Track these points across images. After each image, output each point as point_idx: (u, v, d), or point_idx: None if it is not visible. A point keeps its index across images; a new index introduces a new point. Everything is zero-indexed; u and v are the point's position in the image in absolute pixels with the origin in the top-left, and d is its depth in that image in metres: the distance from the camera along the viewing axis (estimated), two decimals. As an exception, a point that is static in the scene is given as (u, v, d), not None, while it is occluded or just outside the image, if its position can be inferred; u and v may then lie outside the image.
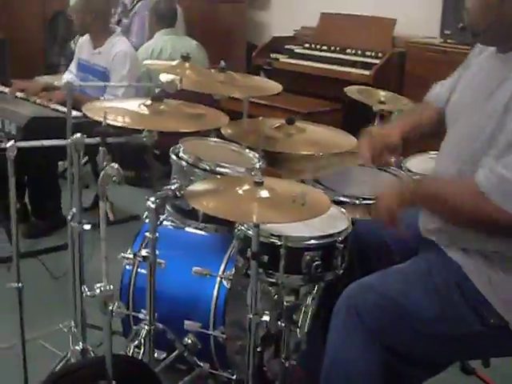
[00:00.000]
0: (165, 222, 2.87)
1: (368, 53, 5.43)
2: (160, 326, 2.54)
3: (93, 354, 2.68)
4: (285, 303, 2.44)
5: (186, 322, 2.64)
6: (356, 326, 2.08)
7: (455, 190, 2.01)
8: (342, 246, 2.36)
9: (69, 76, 4.75)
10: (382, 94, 3.49)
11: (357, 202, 2.64)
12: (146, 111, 2.51)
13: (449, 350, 2.11)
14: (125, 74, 4.38)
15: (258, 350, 2.70)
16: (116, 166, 1.96)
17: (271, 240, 2.31)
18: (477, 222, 1.96)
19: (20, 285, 2.44)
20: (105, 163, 2.14)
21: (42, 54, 6.83)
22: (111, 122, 2.28)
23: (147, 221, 2.41)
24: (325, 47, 5.75)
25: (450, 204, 2.00)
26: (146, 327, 2.45)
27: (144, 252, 2.39)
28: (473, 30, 2.08)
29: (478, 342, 2.07)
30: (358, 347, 2.08)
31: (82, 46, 4.71)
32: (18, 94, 4.23)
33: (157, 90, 4.02)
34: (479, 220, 1.94)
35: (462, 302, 2.04)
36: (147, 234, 2.36)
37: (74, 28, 4.68)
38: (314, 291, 2.85)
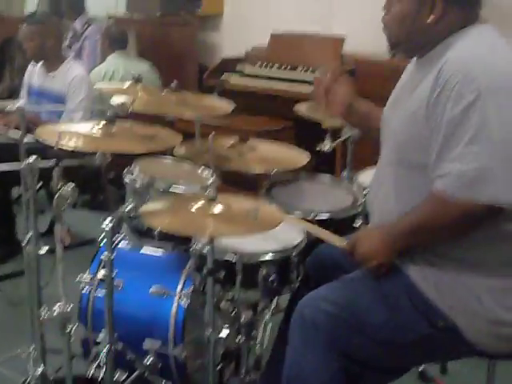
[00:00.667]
0: (121, 244, 2.89)
1: (317, 71, 5.49)
2: (120, 345, 2.55)
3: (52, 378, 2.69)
4: (242, 319, 2.47)
5: (146, 342, 2.67)
6: (312, 337, 2.12)
7: (425, 211, 2.03)
8: (296, 259, 2.41)
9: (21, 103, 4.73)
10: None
11: (309, 217, 2.69)
12: (98, 134, 2.54)
13: (402, 354, 2.16)
14: (83, 98, 4.42)
15: (219, 367, 2.72)
16: (71, 186, 1.98)
17: (227, 257, 2.35)
18: (462, 228, 2.00)
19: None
20: (59, 185, 2.15)
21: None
22: (64, 145, 2.30)
23: (104, 242, 2.43)
24: (276, 66, 5.81)
25: (431, 227, 2.03)
26: (106, 347, 2.47)
27: (101, 274, 2.40)
28: (391, 42, 2.17)
29: (429, 345, 2.12)
30: (316, 357, 2.12)
31: (32, 72, 4.72)
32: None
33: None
34: (464, 225, 1.99)
35: (409, 306, 2.09)
36: (104, 255, 2.38)
37: (29, 55, 4.65)
38: (272, 306, 2.90)
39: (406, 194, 2.11)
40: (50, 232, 4.32)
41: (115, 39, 5.64)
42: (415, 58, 2.24)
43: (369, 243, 2.16)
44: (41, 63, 4.60)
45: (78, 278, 2.51)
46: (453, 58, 1.98)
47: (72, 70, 4.52)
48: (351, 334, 2.12)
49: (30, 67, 4.79)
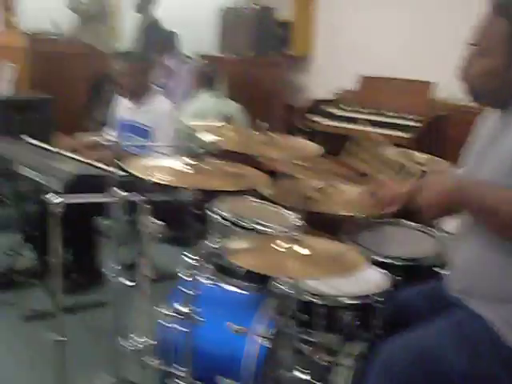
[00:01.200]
0: (202, 279, 2.90)
1: (407, 116, 5.47)
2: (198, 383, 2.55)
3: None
4: (322, 362, 2.44)
5: (223, 380, 2.66)
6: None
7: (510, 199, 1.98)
8: (380, 306, 2.38)
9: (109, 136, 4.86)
10: (421, 156, 3.50)
11: (396, 263, 2.67)
12: (188, 170, 2.57)
13: None
14: (171, 134, 4.50)
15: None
16: (161, 223, 2.01)
17: (310, 299, 2.34)
18: None
19: (64, 338, 2.47)
20: (149, 220, 2.19)
21: (85, 113, 6.99)
22: (156, 180, 2.34)
23: (183, 276, 2.45)
24: (365, 110, 5.81)
25: (505, 215, 1.96)
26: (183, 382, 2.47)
27: (186, 309, 2.41)
28: (474, 95, 2.14)
29: None
30: None
31: (121, 105, 4.84)
32: (62, 151, 4.34)
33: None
34: None
35: (491, 354, 2.05)
36: (186, 290, 2.39)
37: (123, 90, 4.77)
38: (354, 351, 2.87)
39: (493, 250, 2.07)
40: (133, 264, 4.39)
41: (208, 79, 5.73)
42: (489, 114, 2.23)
43: (432, 191, 2.09)
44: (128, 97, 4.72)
45: (159, 309, 2.50)
46: None
47: (159, 105, 4.63)
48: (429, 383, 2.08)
49: (117, 100, 4.91)
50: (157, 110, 4.58)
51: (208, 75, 5.81)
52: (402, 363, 2.09)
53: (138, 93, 4.65)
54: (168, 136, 4.48)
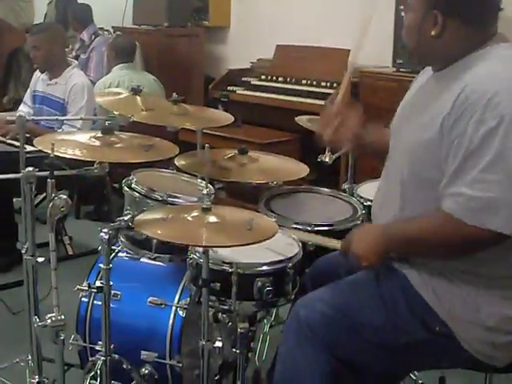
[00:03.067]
0: (120, 254, 2.89)
1: (323, 83, 5.51)
2: (116, 356, 2.54)
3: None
4: (239, 330, 2.46)
5: (143, 352, 2.67)
6: (306, 338, 2.13)
7: (428, 224, 2.02)
8: (292, 271, 2.41)
9: (24, 109, 4.85)
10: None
11: (309, 228, 2.69)
12: (97, 143, 2.55)
13: (398, 358, 2.16)
14: (83, 106, 4.52)
15: (216, 378, 2.73)
16: (64, 196, 1.98)
17: (222, 267, 2.35)
18: (463, 250, 2.00)
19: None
20: (53, 195, 2.16)
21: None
22: (61, 154, 2.32)
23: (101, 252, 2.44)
24: (281, 78, 5.82)
25: (430, 242, 2.02)
26: (102, 358, 2.46)
27: (98, 283, 2.40)
28: (408, 52, 2.19)
29: (425, 351, 2.12)
30: (309, 359, 2.12)
31: (37, 77, 4.82)
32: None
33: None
34: (466, 248, 1.98)
35: (407, 310, 2.09)
36: (101, 265, 2.38)
37: (37, 63, 4.73)
38: (271, 317, 2.90)
39: (412, 208, 2.10)
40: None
41: (122, 50, 5.66)
42: (426, 72, 2.25)
43: (363, 243, 2.14)
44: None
45: (76, 287, 2.48)
46: (474, 82, 1.94)
47: (73, 78, 4.63)
48: (346, 335, 2.13)
49: (35, 75, 4.88)
50: (70, 83, 4.57)
51: (124, 47, 5.73)
52: (318, 317, 2.13)
53: (49, 64, 4.63)
54: (81, 109, 4.47)
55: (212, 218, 2.16)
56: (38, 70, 4.82)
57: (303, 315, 2.14)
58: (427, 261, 2.09)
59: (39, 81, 4.79)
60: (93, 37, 6.57)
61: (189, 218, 2.17)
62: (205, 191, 2.17)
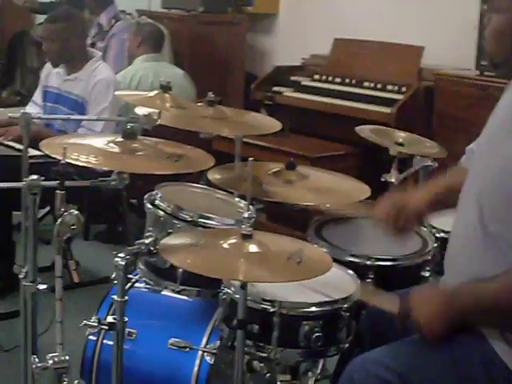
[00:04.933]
0: (137, 284, 2.90)
1: (389, 87, 5.49)
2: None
3: None
4: (278, 383, 2.45)
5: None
6: None
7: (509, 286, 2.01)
8: (347, 314, 2.40)
9: (33, 110, 4.76)
10: (401, 135, 3.51)
11: (368, 262, 2.68)
12: (115, 149, 2.56)
13: None
14: (106, 107, 4.49)
15: None
16: (76, 212, 1.99)
17: (262, 306, 2.34)
18: None
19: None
20: (62, 209, 2.17)
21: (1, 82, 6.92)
22: (72, 161, 2.32)
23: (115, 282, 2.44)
24: (338, 79, 5.81)
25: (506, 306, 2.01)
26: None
27: (110, 318, 2.40)
28: (492, 61, 2.16)
29: None
30: None
31: (50, 72, 4.80)
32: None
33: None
34: None
35: (485, 380, 2.06)
36: (114, 296, 2.38)
37: (50, 58, 4.73)
38: (317, 370, 2.88)
39: (498, 258, 2.07)
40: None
41: (150, 39, 5.70)
42: None
43: (426, 309, 2.13)
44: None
45: (83, 322, 2.49)
46: None
47: (97, 73, 4.60)
48: None
49: (46, 67, 4.86)
50: (93, 79, 4.56)
51: (152, 36, 5.77)
52: (371, 381, 2.10)
53: (64, 59, 4.61)
54: (103, 111, 4.45)
55: (253, 247, 2.16)
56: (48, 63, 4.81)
57: (357, 380, 2.12)
58: None
59: (52, 75, 4.77)
60: (113, 21, 6.59)
61: (225, 246, 2.17)
62: (246, 214, 2.17)
